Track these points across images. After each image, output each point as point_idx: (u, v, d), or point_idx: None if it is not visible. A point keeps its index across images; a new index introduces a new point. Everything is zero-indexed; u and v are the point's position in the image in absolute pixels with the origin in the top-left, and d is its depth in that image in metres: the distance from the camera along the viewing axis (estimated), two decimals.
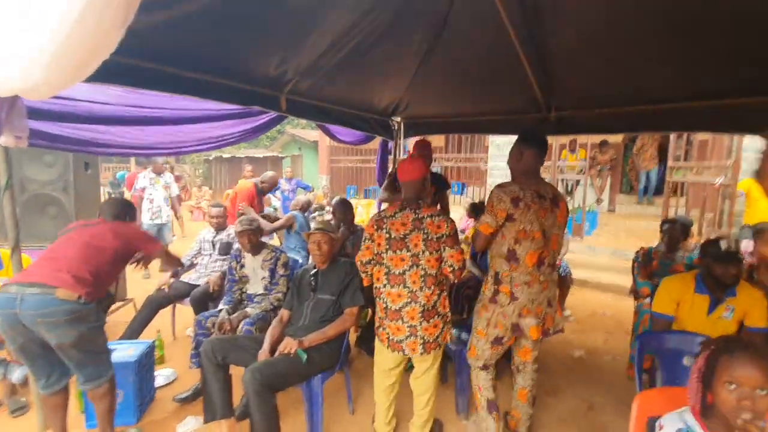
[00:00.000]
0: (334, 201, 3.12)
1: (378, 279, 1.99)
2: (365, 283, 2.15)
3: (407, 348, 1.92)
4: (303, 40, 2.41)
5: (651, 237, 6.03)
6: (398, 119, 4.25)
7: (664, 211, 5.73)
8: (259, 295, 2.66)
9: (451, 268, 1.90)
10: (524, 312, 1.96)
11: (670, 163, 5.79)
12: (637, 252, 3.18)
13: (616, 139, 7.58)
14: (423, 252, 1.89)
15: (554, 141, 6.76)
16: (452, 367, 2.67)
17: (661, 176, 6.91)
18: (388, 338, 1.96)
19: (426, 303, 1.89)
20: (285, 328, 2.24)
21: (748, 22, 1.88)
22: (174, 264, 2.40)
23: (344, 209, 3.30)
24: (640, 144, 7.26)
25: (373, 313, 2.04)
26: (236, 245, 3.03)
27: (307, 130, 17.07)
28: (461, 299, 3.02)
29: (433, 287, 1.91)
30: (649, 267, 3.03)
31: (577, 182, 6.86)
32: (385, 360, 2.07)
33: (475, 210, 4.08)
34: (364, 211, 8.19)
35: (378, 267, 1.99)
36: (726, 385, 1.01)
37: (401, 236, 1.92)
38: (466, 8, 2.40)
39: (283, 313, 2.32)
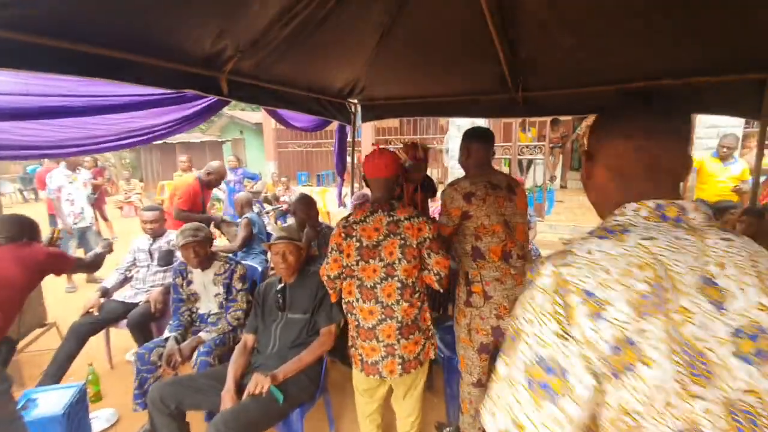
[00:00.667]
0: (293, 197, 2.72)
1: (349, 292, 1.72)
2: (332, 299, 1.86)
3: (384, 370, 1.66)
4: (243, 9, 1.99)
5: None
6: (355, 101, 3.90)
7: None
8: (214, 314, 2.25)
9: (437, 277, 1.66)
10: (502, 311, 1.82)
11: None
12: None
13: (565, 116, 7.75)
14: (399, 260, 1.63)
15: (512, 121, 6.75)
16: (439, 370, 2.48)
17: None
18: (361, 360, 1.71)
19: (404, 318, 1.64)
20: (250, 356, 1.90)
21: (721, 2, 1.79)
22: (96, 268, 2.00)
23: (306, 206, 2.88)
24: (585, 125, 7.44)
25: (346, 324, 1.77)
26: (179, 255, 2.58)
27: (248, 112, 15.91)
28: (436, 295, 2.84)
29: (412, 299, 1.66)
30: None
31: (530, 162, 6.94)
32: (362, 383, 1.82)
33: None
34: (320, 199, 7.75)
35: (348, 280, 1.72)
36: None
37: (374, 244, 1.65)
38: None
39: (247, 338, 1.97)
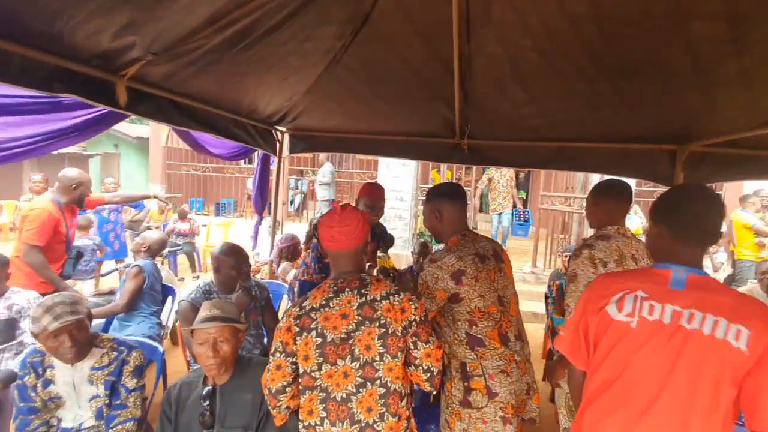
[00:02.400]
0: (216, 251, 2.03)
1: (309, 412, 1.21)
2: (276, 422, 1.29)
3: None
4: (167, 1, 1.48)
5: (522, 254, 6.61)
6: (283, 130, 3.43)
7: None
8: (88, 429, 1.45)
9: (428, 374, 1.26)
10: (509, 411, 1.51)
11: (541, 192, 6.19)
12: (550, 286, 3.18)
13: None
14: (381, 357, 1.20)
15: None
16: None
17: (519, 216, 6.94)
18: None
19: None
20: None
21: (658, 76, 1.92)
22: None
23: (237, 260, 2.07)
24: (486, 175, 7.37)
25: None
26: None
27: (128, 123, 13.70)
28: None
29: (399, 410, 1.23)
30: (563, 302, 3.04)
31: None
32: None
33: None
34: (222, 234, 6.73)
35: (308, 394, 1.22)
36: None
37: (342, 337, 1.20)
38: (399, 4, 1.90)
39: None
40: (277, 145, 3.40)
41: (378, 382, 1.19)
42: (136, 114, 2.00)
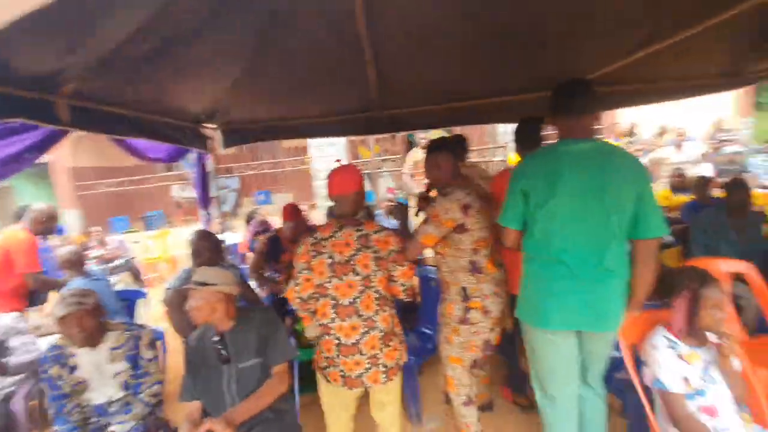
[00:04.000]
0: (193, 237, 2.26)
1: (324, 314, 1.67)
2: (306, 322, 1.74)
3: (368, 381, 1.67)
4: (99, 20, 1.65)
5: None
6: (214, 126, 3.57)
7: None
8: (117, 400, 1.69)
9: (403, 287, 1.74)
10: (496, 324, 1.88)
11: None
12: None
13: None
14: (375, 272, 1.67)
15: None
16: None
17: None
18: (342, 376, 1.66)
19: (385, 327, 1.68)
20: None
21: (532, 36, 2.44)
22: None
23: (213, 242, 2.35)
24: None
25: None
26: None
27: None
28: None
29: (388, 309, 1.72)
30: None
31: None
32: (339, 399, 1.77)
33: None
34: (159, 246, 6.54)
35: (322, 300, 1.66)
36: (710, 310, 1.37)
37: (346, 259, 1.65)
38: None
39: (191, 409, 1.58)
40: (207, 142, 3.54)
41: (373, 289, 1.65)
42: (80, 129, 2.12)
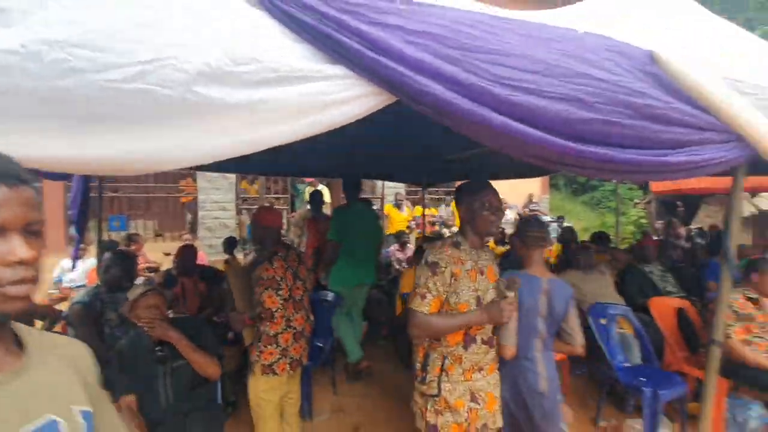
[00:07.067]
0: (105, 257, 2.25)
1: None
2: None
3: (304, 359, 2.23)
4: None
5: None
6: None
7: None
8: None
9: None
10: None
11: None
12: None
13: None
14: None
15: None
16: None
17: None
18: (290, 364, 2.13)
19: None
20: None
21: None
22: None
23: (124, 261, 2.47)
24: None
25: None
26: None
27: None
28: None
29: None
30: None
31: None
32: (277, 391, 2.12)
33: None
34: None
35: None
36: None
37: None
38: None
39: (128, 399, 1.75)
40: None
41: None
42: None
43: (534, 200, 10.44)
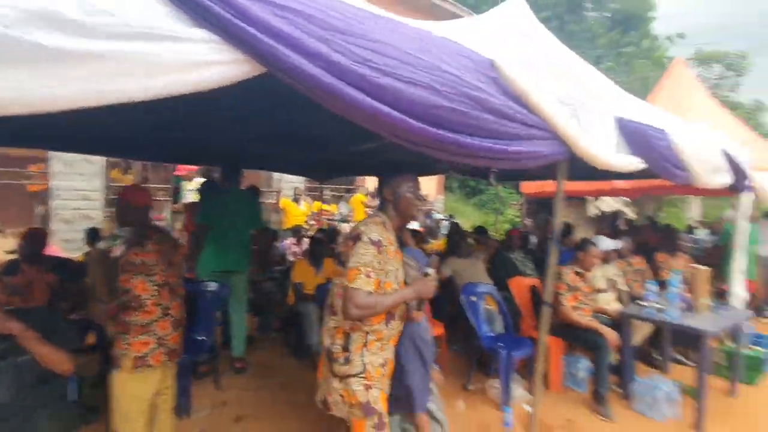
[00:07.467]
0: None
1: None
2: None
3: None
4: None
5: None
6: None
7: None
8: None
9: None
10: None
11: None
12: None
13: None
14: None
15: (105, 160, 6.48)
16: None
17: None
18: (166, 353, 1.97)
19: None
20: None
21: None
22: None
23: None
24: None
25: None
26: None
27: None
28: None
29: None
30: None
31: None
32: (150, 386, 1.96)
33: None
34: None
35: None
36: None
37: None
38: None
39: None
40: None
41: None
42: None
43: (429, 200, 11.25)
